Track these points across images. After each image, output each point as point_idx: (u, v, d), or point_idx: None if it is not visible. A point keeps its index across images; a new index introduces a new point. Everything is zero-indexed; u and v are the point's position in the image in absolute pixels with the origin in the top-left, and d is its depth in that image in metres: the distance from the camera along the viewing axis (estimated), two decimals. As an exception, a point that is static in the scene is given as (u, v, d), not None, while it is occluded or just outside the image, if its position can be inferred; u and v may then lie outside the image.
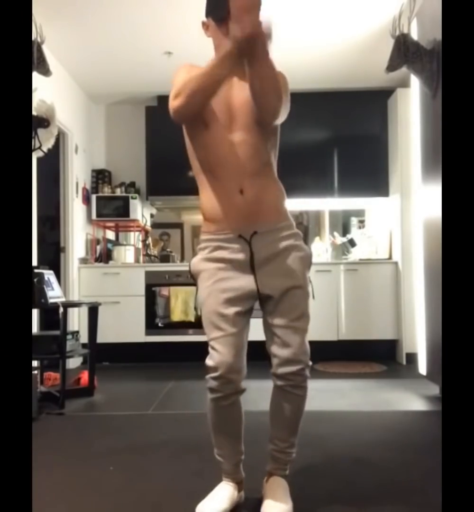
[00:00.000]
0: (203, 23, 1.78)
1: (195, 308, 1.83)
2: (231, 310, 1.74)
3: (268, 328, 1.80)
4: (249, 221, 1.74)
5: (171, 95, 1.69)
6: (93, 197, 5.43)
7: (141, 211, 5.61)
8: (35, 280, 3.38)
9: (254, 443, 2.54)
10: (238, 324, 1.76)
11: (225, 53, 1.62)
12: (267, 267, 1.76)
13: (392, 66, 3.43)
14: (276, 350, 1.76)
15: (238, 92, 1.74)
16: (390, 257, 5.26)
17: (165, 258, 5.43)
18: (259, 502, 1.82)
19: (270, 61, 1.63)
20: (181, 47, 4.52)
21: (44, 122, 3.70)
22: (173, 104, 1.67)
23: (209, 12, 1.78)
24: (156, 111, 5.49)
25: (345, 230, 5.76)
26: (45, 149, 3.76)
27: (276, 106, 1.68)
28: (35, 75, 3.40)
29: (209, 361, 1.77)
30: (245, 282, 1.75)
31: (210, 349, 1.79)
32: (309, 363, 1.77)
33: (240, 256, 1.75)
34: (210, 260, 1.78)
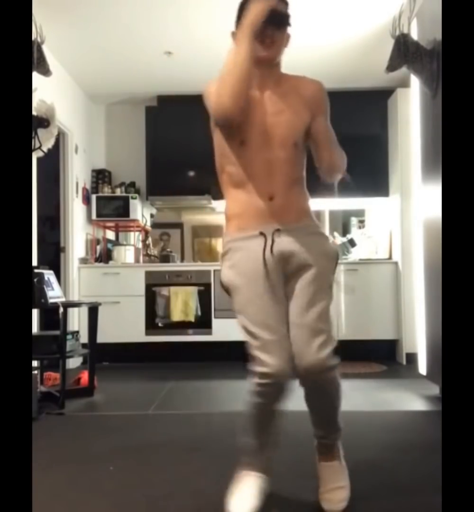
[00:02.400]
0: (233, 33, 1.79)
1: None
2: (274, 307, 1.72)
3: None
4: (272, 221, 1.75)
5: (214, 102, 1.72)
6: (93, 197, 5.43)
7: (141, 211, 5.61)
8: (35, 280, 3.38)
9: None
10: (281, 320, 1.72)
11: (240, 34, 1.68)
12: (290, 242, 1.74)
13: (392, 66, 3.43)
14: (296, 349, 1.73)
15: (272, 110, 1.77)
16: (390, 257, 5.26)
17: (165, 258, 5.43)
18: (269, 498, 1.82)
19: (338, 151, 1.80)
20: (181, 47, 4.52)
21: (44, 122, 3.70)
22: (219, 103, 1.69)
23: (238, 23, 1.79)
24: (156, 111, 5.49)
25: (345, 230, 5.76)
26: (45, 149, 3.76)
27: (341, 169, 1.83)
28: (35, 75, 3.40)
29: (259, 368, 1.69)
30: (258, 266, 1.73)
31: (258, 356, 1.70)
32: (329, 359, 1.71)
33: (256, 245, 1.74)
34: (234, 267, 1.77)
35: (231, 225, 1.83)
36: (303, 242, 1.75)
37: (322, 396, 1.79)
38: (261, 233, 1.74)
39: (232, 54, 1.69)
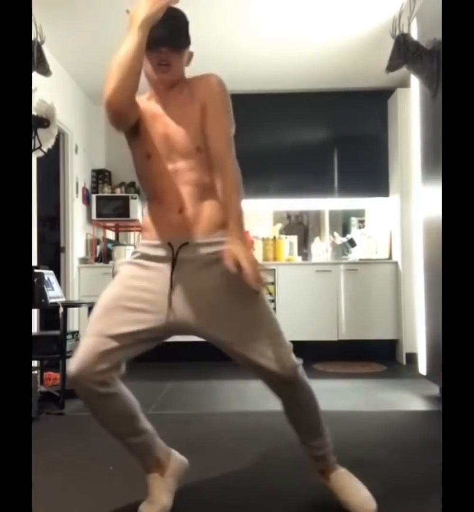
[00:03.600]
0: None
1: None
2: (130, 328, 1.66)
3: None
4: (181, 234, 1.68)
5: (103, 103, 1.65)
6: (93, 197, 5.43)
7: (141, 211, 5.61)
8: (35, 280, 3.38)
9: (255, 443, 2.54)
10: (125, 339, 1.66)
11: (132, 23, 1.63)
12: (192, 282, 1.67)
13: (392, 66, 3.43)
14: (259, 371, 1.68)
15: (172, 121, 1.71)
16: (390, 257, 5.26)
17: (165, 258, 5.42)
18: (260, 500, 1.82)
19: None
20: (181, 47, 4.52)
21: (44, 122, 3.70)
22: (107, 101, 1.63)
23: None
24: (156, 111, 5.48)
25: (345, 230, 5.76)
26: (45, 149, 3.76)
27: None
28: (35, 75, 3.40)
29: (70, 365, 1.65)
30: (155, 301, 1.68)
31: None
32: (295, 367, 1.68)
33: (165, 261, 1.68)
34: (131, 263, 1.74)
35: (143, 236, 1.78)
36: (205, 262, 1.67)
37: (299, 405, 1.76)
38: (169, 244, 1.68)
39: (124, 46, 1.63)
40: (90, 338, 1.64)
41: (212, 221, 1.69)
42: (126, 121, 1.70)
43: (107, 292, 1.72)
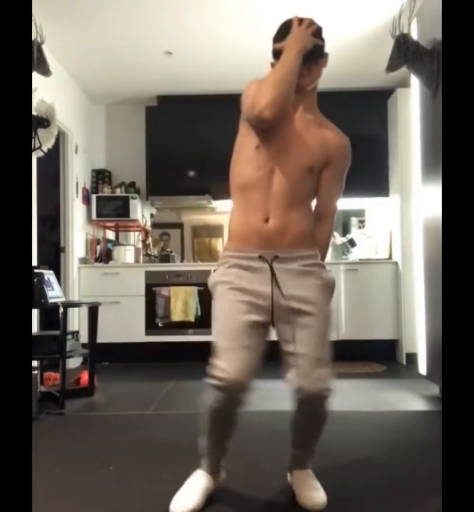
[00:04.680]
0: (272, 64, 1.83)
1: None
2: (247, 318, 1.72)
3: (287, 356, 1.78)
4: (270, 246, 1.76)
5: (250, 102, 1.71)
6: (93, 197, 5.43)
7: (141, 211, 5.61)
8: (35, 280, 3.38)
9: (254, 442, 2.54)
10: (253, 337, 1.73)
11: (288, 49, 1.74)
12: (287, 283, 1.75)
13: (392, 66, 3.43)
14: (298, 379, 1.74)
15: (297, 129, 1.79)
16: (390, 257, 5.26)
17: (165, 258, 5.43)
18: (260, 500, 1.82)
19: None
20: (181, 47, 4.52)
21: (44, 122, 3.70)
22: (261, 103, 1.67)
23: (275, 55, 1.83)
24: (156, 111, 5.49)
25: (345, 230, 5.76)
26: (45, 149, 3.76)
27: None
28: (35, 75, 3.40)
29: (216, 372, 1.71)
30: (262, 289, 1.75)
31: (218, 360, 1.72)
32: (330, 388, 1.75)
33: (259, 267, 1.76)
34: (227, 274, 1.79)
35: (231, 241, 1.85)
36: (300, 281, 1.76)
37: (315, 420, 1.83)
38: (260, 257, 1.75)
39: (279, 65, 1.73)
40: (240, 350, 1.70)
41: (298, 235, 1.79)
42: (268, 128, 1.75)
43: (223, 308, 1.78)
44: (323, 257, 1.87)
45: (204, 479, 1.90)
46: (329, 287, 1.82)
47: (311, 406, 1.76)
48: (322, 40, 1.88)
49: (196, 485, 1.88)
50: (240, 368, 1.68)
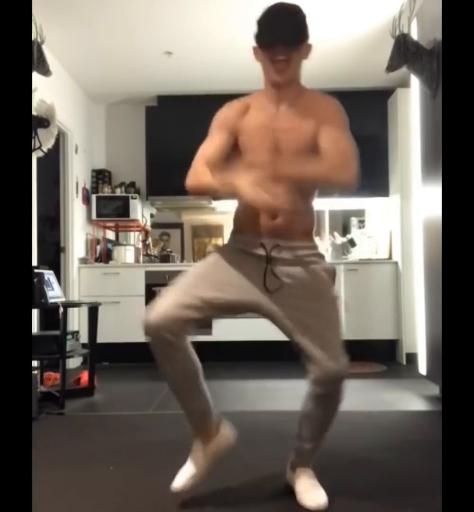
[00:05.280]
0: (253, 48, 1.78)
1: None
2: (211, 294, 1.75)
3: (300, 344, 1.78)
4: (274, 236, 1.78)
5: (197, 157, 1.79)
6: (93, 197, 5.43)
7: (141, 211, 5.61)
8: (35, 280, 3.38)
9: (254, 442, 2.54)
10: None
11: (231, 186, 1.64)
12: (289, 272, 1.77)
13: (392, 66, 3.43)
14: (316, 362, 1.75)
15: (285, 127, 1.77)
16: (390, 257, 5.26)
17: (165, 258, 5.43)
18: (260, 500, 1.82)
19: (301, 175, 1.72)
20: (181, 47, 4.52)
21: (44, 122, 3.70)
22: (188, 178, 1.78)
23: (257, 38, 1.76)
24: (156, 111, 5.49)
25: (345, 230, 5.76)
26: (45, 149, 3.76)
27: (345, 180, 1.85)
28: (35, 75, 3.40)
29: (147, 315, 1.77)
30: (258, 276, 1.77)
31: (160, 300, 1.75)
32: (346, 369, 1.76)
33: (260, 256, 1.78)
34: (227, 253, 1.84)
35: (235, 232, 1.88)
36: (301, 271, 1.78)
37: (329, 404, 1.81)
38: (262, 245, 1.78)
39: (220, 185, 1.70)
40: (177, 291, 1.73)
41: (302, 228, 1.83)
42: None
43: (199, 265, 1.87)
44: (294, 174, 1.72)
45: (199, 453, 1.89)
46: (328, 272, 1.85)
47: (328, 388, 1.75)
48: (306, 25, 1.74)
49: (193, 460, 1.89)
50: (165, 307, 1.71)
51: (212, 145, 1.81)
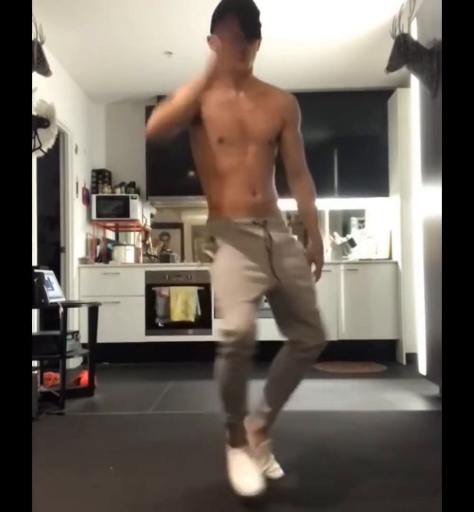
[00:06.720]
0: (211, 38, 1.98)
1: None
2: (249, 274, 1.84)
3: (287, 323, 1.95)
4: (260, 214, 1.92)
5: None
6: (93, 197, 5.43)
7: (141, 211, 5.61)
8: (35, 280, 3.38)
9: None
10: (254, 291, 1.84)
11: (194, 84, 1.84)
12: (281, 253, 1.92)
13: (392, 66, 3.43)
14: (303, 338, 1.92)
15: (247, 108, 1.92)
16: (390, 257, 5.26)
17: (165, 258, 5.43)
18: (262, 498, 1.82)
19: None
20: (181, 47, 4.52)
21: (44, 122, 3.70)
22: (148, 126, 1.86)
23: (222, 25, 2.01)
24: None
25: (345, 230, 5.76)
26: (45, 149, 3.76)
27: (313, 187, 2.07)
28: (35, 75, 3.40)
29: (227, 326, 1.75)
30: (262, 267, 1.88)
31: (226, 315, 1.79)
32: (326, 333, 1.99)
33: (260, 235, 1.90)
34: (235, 238, 1.92)
35: (220, 210, 2.00)
36: (284, 238, 1.96)
37: (309, 365, 1.97)
38: (255, 223, 1.90)
39: (181, 95, 1.83)
40: (242, 304, 1.77)
41: (275, 204, 2.01)
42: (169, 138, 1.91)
43: (223, 265, 1.94)
44: (315, 211, 2.07)
45: (246, 455, 1.92)
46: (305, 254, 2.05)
47: (315, 353, 1.93)
48: (260, 23, 1.94)
49: (249, 463, 1.91)
50: (247, 319, 1.74)
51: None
